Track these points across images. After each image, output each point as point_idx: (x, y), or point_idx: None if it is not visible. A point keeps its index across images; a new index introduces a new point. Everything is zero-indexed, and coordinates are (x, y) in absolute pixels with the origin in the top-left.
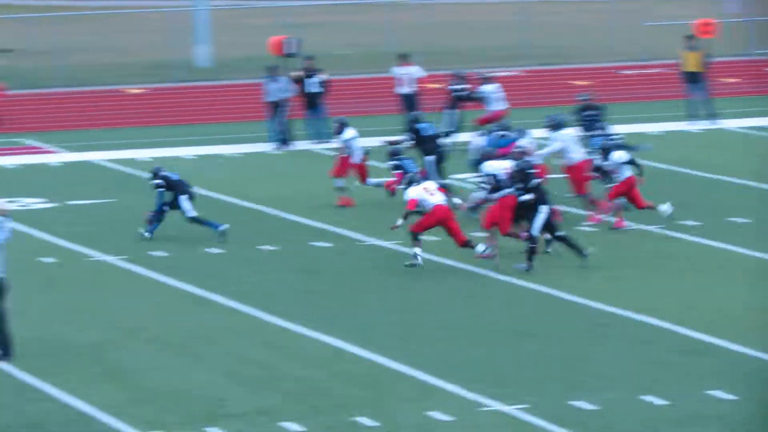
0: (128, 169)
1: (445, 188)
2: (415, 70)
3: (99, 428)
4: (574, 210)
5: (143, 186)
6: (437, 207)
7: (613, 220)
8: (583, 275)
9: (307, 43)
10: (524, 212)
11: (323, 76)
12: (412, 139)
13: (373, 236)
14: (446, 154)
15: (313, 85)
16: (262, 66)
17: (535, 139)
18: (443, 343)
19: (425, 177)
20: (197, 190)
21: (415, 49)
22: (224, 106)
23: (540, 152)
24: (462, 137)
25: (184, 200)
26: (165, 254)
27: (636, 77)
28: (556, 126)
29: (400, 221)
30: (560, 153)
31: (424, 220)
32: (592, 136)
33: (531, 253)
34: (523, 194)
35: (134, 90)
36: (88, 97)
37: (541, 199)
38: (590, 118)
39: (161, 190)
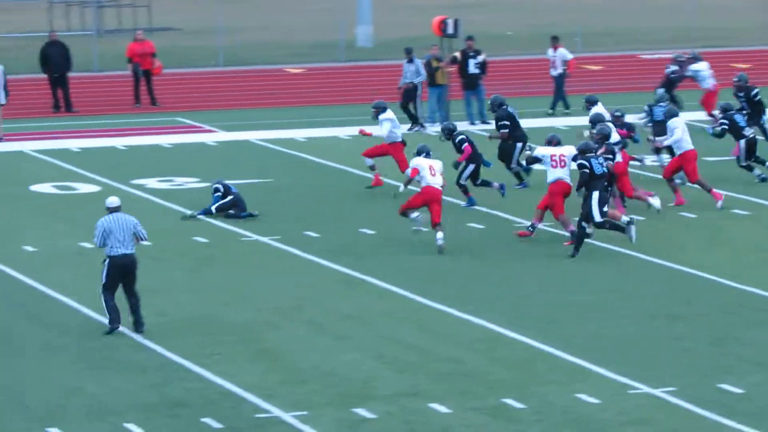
0: (285, 149)
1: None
2: (564, 53)
3: (247, 408)
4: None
5: (300, 166)
6: (427, 187)
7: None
8: (735, 257)
9: (469, 23)
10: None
11: (482, 57)
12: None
13: (526, 218)
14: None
15: (473, 66)
16: (422, 46)
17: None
18: (592, 326)
19: None
20: (355, 171)
21: (573, 31)
22: (383, 86)
23: (662, 141)
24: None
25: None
26: (318, 235)
27: None
28: (670, 115)
29: (401, 188)
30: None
31: (413, 200)
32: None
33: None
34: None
35: (294, 69)
36: (250, 77)
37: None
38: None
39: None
